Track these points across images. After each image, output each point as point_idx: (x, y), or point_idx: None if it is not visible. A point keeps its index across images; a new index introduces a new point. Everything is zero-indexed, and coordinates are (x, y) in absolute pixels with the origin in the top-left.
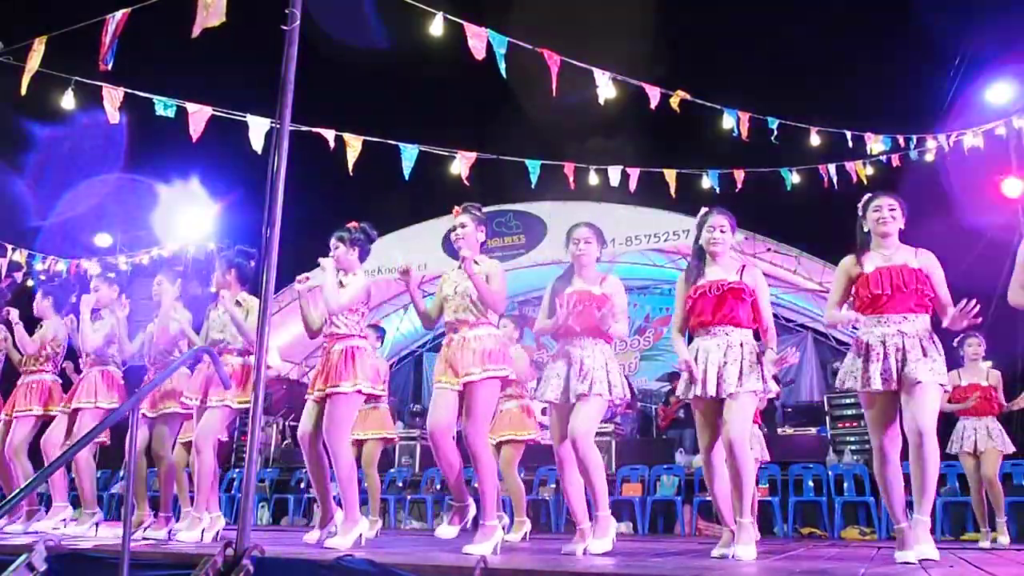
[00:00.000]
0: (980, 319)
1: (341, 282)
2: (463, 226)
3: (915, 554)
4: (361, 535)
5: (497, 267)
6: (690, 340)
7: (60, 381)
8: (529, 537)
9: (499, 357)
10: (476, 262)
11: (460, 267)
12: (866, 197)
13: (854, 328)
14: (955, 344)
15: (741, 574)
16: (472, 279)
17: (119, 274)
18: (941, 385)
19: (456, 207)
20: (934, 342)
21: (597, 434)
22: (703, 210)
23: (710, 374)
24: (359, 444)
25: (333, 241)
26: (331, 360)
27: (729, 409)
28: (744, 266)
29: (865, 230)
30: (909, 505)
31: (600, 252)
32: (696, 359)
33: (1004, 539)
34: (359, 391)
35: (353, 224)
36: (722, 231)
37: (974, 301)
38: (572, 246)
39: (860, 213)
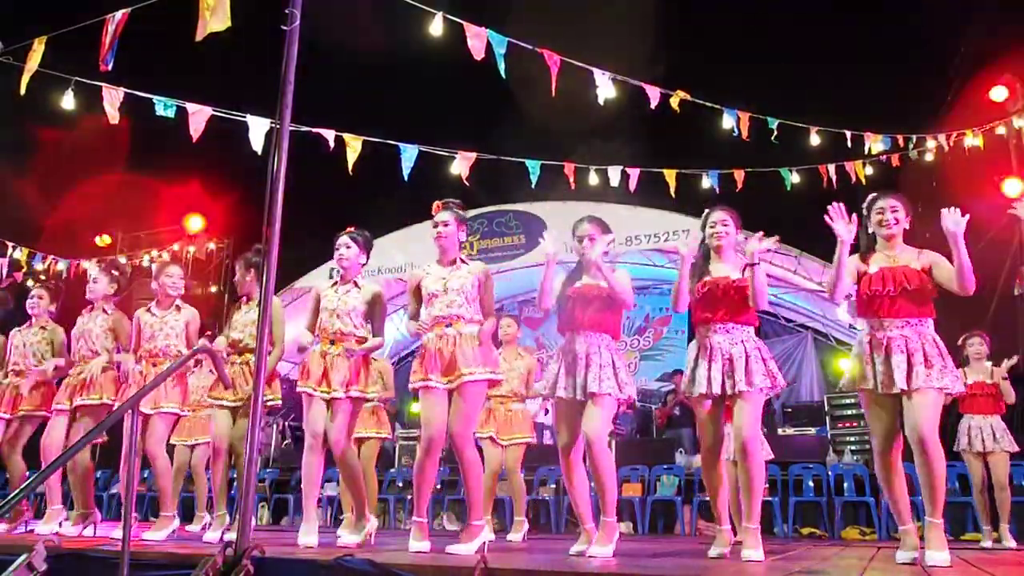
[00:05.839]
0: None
1: (356, 282)
2: (445, 224)
3: (924, 558)
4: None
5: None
6: (692, 337)
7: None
8: (527, 537)
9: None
10: (464, 261)
11: (441, 264)
12: (869, 198)
13: (855, 328)
14: (959, 344)
15: (741, 574)
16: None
17: (122, 274)
18: (941, 389)
19: (437, 202)
20: (937, 346)
21: None
22: (706, 211)
23: (714, 372)
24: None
25: (346, 239)
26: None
27: (740, 410)
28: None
29: (870, 231)
30: (913, 506)
31: (607, 245)
32: (699, 357)
33: (1008, 543)
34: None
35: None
36: (724, 225)
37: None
38: (577, 244)
39: (864, 213)
